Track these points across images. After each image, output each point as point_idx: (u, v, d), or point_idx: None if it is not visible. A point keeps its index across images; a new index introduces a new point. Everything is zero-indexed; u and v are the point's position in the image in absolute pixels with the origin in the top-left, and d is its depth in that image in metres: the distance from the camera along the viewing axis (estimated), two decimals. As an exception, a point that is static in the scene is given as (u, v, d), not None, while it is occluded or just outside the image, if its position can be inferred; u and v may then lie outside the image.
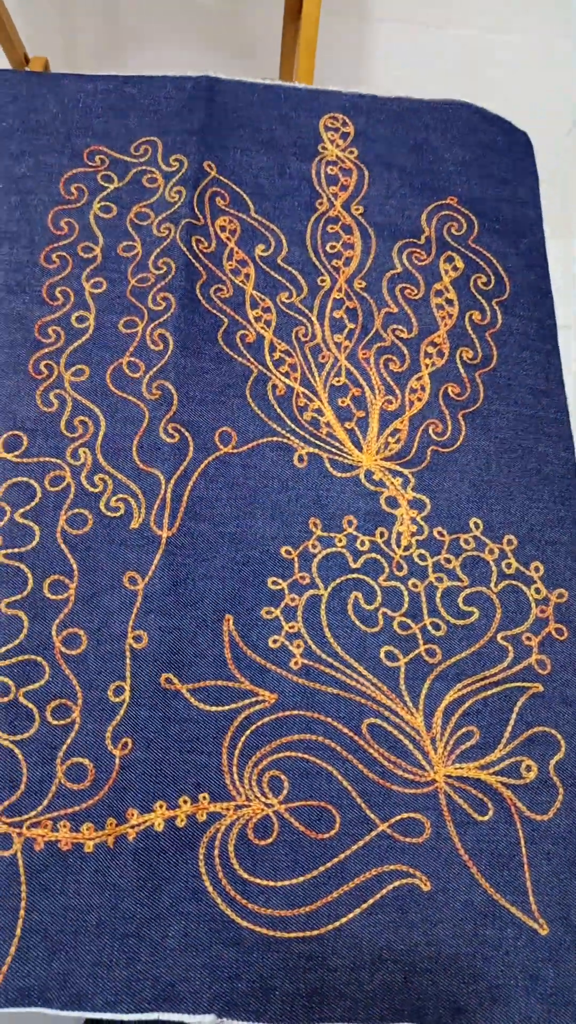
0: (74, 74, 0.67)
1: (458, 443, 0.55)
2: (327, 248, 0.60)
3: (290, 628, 0.48)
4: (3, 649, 0.46)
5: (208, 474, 0.52)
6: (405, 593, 0.50)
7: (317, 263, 0.60)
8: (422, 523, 0.52)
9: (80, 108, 0.64)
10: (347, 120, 0.65)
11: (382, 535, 0.51)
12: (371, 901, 0.43)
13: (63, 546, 0.49)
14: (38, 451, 0.52)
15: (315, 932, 0.42)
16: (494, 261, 0.61)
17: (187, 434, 0.53)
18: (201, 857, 0.43)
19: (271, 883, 0.43)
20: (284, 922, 0.42)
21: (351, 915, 0.43)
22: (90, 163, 0.62)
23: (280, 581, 0.50)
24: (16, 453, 0.52)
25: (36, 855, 0.43)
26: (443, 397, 0.56)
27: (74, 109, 0.64)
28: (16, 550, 0.49)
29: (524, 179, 0.64)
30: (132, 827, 0.43)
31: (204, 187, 0.61)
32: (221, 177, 0.62)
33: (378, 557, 0.51)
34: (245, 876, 0.43)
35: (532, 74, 1.33)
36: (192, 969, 0.41)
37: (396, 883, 0.44)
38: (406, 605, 0.50)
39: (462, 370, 0.57)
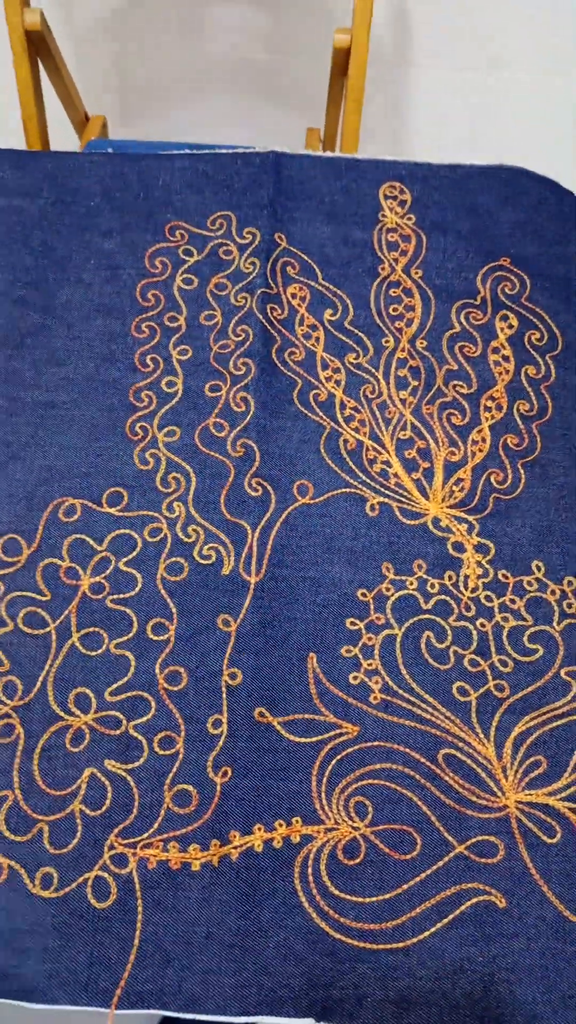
0: (152, 154, 0.73)
1: (518, 491, 0.59)
2: (390, 311, 0.65)
3: (368, 665, 0.53)
4: (114, 686, 0.52)
5: (289, 523, 0.57)
6: (474, 632, 0.54)
7: (381, 325, 0.65)
8: (487, 566, 0.56)
9: (160, 186, 0.70)
10: (404, 188, 0.71)
11: (450, 578, 0.56)
12: (451, 916, 0.47)
13: (163, 591, 0.55)
14: (137, 505, 0.58)
15: (401, 944, 0.47)
16: (546, 318, 0.65)
17: (269, 487, 0.58)
18: (296, 875, 0.48)
19: (360, 899, 0.47)
20: (373, 935, 0.47)
21: (433, 929, 0.47)
22: (171, 238, 0.68)
23: (357, 621, 0.54)
24: (118, 508, 0.57)
25: (149, 873, 0.48)
26: (503, 447, 0.60)
27: (154, 187, 0.70)
28: (122, 596, 0.55)
29: (573, 238, 0.68)
30: (235, 848, 0.48)
31: (276, 257, 0.66)
32: (291, 247, 0.67)
33: (447, 599, 0.55)
34: (336, 893, 0.47)
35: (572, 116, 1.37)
36: (292, 977, 0.46)
37: (474, 900, 0.48)
38: (475, 643, 0.54)
39: (520, 422, 0.61)
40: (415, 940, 0.47)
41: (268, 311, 0.64)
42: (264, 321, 0.63)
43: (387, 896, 0.48)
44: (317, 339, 0.64)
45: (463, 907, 0.48)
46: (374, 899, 0.47)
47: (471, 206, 0.70)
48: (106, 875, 0.48)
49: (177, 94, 1.47)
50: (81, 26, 1.38)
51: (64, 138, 1.28)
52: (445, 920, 0.47)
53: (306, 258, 0.67)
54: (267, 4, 1.35)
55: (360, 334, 0.64)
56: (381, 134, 1.40)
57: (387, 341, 0.64)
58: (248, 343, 0.63)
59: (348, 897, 0.47)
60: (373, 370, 0.63)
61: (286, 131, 1.44)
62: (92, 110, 1.37)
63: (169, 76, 1.45)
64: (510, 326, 0.65)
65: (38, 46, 1.12)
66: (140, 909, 0.47)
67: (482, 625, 0.55)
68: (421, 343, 0.64)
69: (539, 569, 0.56)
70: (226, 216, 0.69)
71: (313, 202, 0.70)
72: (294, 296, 0.65)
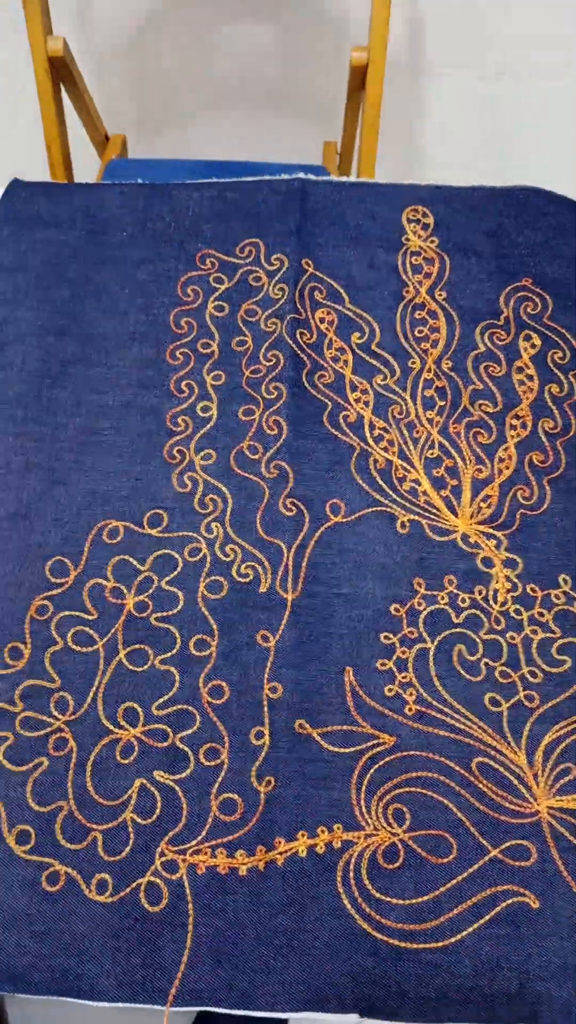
0: (181, 183, 0.76)
1: (544, 506, 0.61)
2: (415, 333, 0.68)
3: (403, 678, 0.56)
4: (160, 700, 0.55)
5: (323, 542, 0.60)
6: (504, 645, 0.57)
7: (407, 347, 0.67)
8: (516, 580, 0.59)
9: (190, 216, 0.73)
10: (427, 211, 0.73)
11: (480, 592, 0.58)
12: (487, 917, 0.50)
13: (204, 609, 0.58)
14: (177, 526, 0.60)
15: (440, 944, 0.49)
16: (568, 336, 0.67)
17: (302, 507, 0.60)
18: (339, 879, 0.50)
19: (400, 901, 0.50)
20: (413, 935, 0.49)
21: (471, 929, 0.49)
22: (202, 266, 0.70)
23: (391, 636, 0.57)
24: (159, 529, 0.60)
25: (199, 878, 0.50)
26: (529, 465, 0.63)
27: (184, 216, 0.73)
28: (165, 613, 0.57)
29: (591, 257, 0.71)
30: (280, 853, 0.51)
31: (303, 283, 0.69)
32: (318, 272, 0.70)
33: (478, 612, 0.58)
34: (377, 895, 0.50)
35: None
36: (337, 976, 0.48)
37: (508, 901, 0.50)
38: (505, 655, 0.56)
39: (544, 439, 0.64)
40: (453, 940, 0.49)
41: (298, 336, 0.66)
42: (294, 346, 0.66)
43: (426, 898, 0.50)
44: (345, 362, 0.66)
45: (498, 908, 0.50)
46: (413, 901, 0.50)
47: (492, 228, 0.72)
48: (158, 880, 0.50)
49: (194, 111, 1.50)
50: (99, 47, 1.41)
51: (85, 157, 1.32)
52: (481, 920, 0.50)
53: (333, 283, 0.69)
54: (277, 20, 1.38)
55: (387, 356, 0.67)
56: (394, 143, 1.42)
57: (413, 363, 0.67)
58: (279, 368, 0.65)
59: (388, 899, 0.50)
60: (400, 391, 0.66)
61: (303, 145, 1.47)
62: (111, 129, 1.40)
63: (185, 94, 1.48)
64: (533, 345, 0.67)
65: (60, 72, 1.16)
66: (191, 912, 0.50)
67: (512, 638, 0.57)
68: (447, 364, 0.66)
69: (566, 582, 0.59)
70: (254, 243, 0.71)
71: (338, 227, 0.72)
72: (322, 320, 0.68)
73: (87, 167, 1.37)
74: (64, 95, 1.15)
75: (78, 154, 1.21)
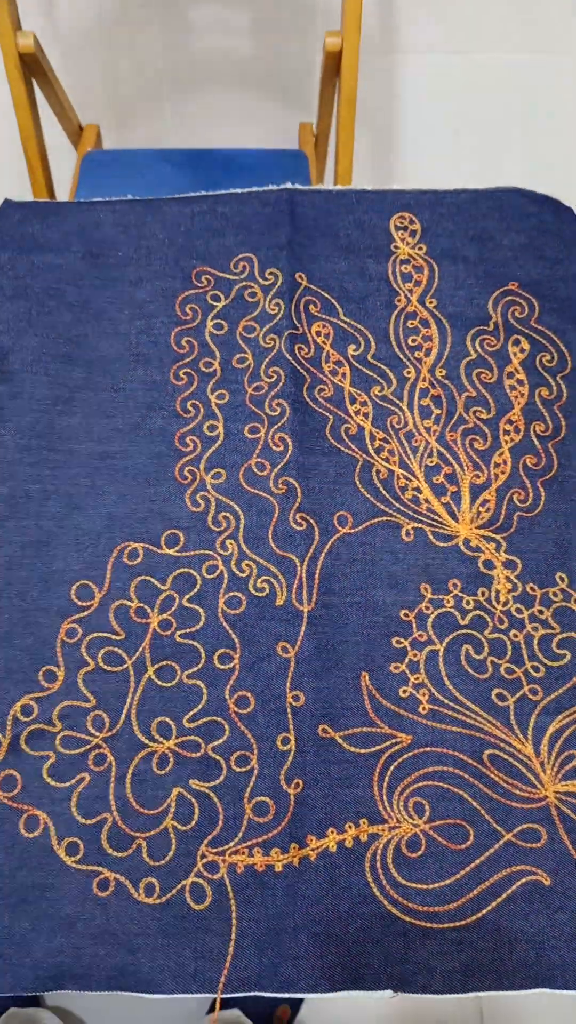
0: (172, 198, 0.77)
1: (539, 508, 0.65)
2: (409, 342, 0.70)
3: (415, 679, 0.60)
4: (190, 713, 0.58)
5: (333, 553, 0.63)
6: (508, 643, 0.61)
7: (402, 356, 0.70)
8: (516, 581, 0.62)
9: (182, 232, 0.75)
10: (413, 218, 0.75)
11: (483, 594, 0.62)
12: (504, 895, 0.54)
13: (224, 624, 0.61)
14: (193, 545, 0.63)
15: (463, 922, 0.54)
16: (555, 339, 0.70)
17: (312, 521, 0.64)
18: (367, 870, 0.55)
19: (424, 886, 0.54)
20: (438, 916, 0.54)
21: (490, 907, 0.54)
22: (198, 284, 0.72)
23: (402, 640, 0.61)
24: (176, 548, 0.63)
25: (238, 876, 0.55)
26: (523, 468, 0.66)
27: (177, 232, 0.75)
28: (188, 630, 0.61)
29: (574, 257, 0.73)
30: (312, 850, 0.55)
31: (298, 297, 0.71)
32: (311, 286, 0.72)
33: (482, 613, 0.61)
34: (403, 882, 0.54)
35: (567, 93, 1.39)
36: (370, 956, 0.53)
37: (523, 880, 0.55)
38: (509, 653, 0.60)
39: (537, 442, 0.67)
40: (474, 918, 0.54)
41: (296, 351, 0.69)
42: (293, 361, 0.68)
43: (447, 882, 0.55)
44: (343, 375, 0.69)
45: (514, 887, 0.55)
46: (436, 885, 0.55)
47: (477, 232, 0.74)
48: (201, 881, 0.55)
49: (167, 95, 1.49)
50: (68, 36, 1.39)
51: (60, 148, 1.31)
52: (499, 899, 0.54)
53: (326, 295, 0.72)
54: (248, 0, 1.36)
55: (383, 367, 0.69)
56: (369, 126, 1.42)
57: (408, 372, 0.69)
58: (280, 384, 0.68)
59: (414, 885, 0.54)
60: (398, 401, 0.68)
61: (278, 127, 1.46)
62: (84, 118, 1.39)
63: (157, 78, 1.46)
64: (522, 350, 0.70)
65: (32, 67, 1.15)
66: (234, 908, 0.54)
67: (515, 635, 0.61)
68: (440, 372, 0.69)
69: (562, 580, 0.62)
70: (248, 258, 0.73)
71: (328, 238, 0.74)
72: (318, 334, 0.70)
73: (62, 159, 1.36)
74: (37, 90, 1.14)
75: (51, 143, 1.21)
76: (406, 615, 0.61)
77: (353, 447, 0.66)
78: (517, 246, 0.73)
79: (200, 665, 0.60)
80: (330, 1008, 1.04)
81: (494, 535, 0.64)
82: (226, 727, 0.58)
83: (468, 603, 0.62)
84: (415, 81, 1.40)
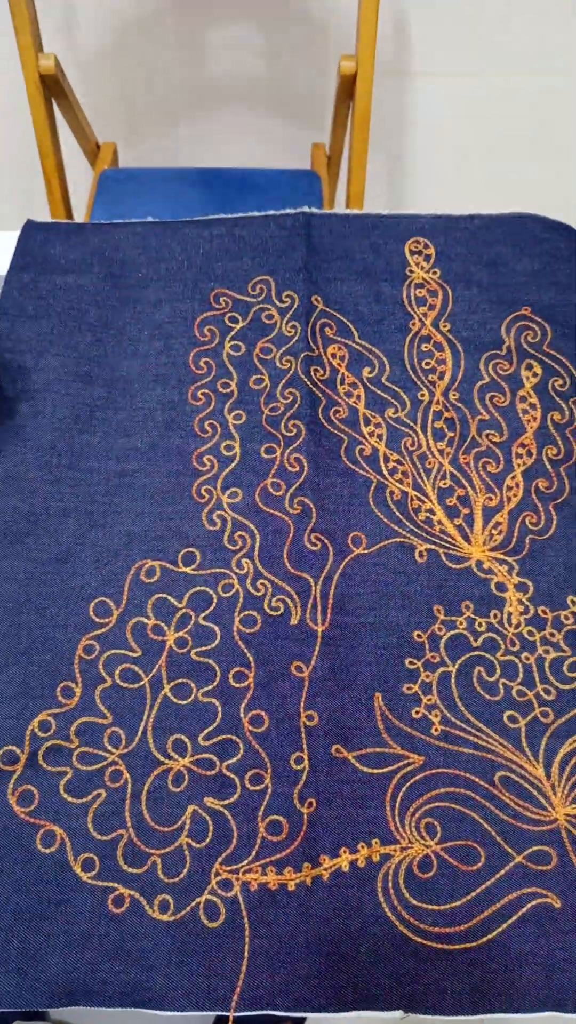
0: (190, 220, 0.79)
1: (551, 531, 0.66)
2: (423, 365, 0.71)
3: (428, 700, 0.60)
4: (206, 731, 0.59)
5: (347, 574, 0.64)
6: (519, 665, 0.61)
7: (415, 379, 0.71)
8: (528, 603, 0.63)
9: (201, 254, 0.76)
10: (428, 243, 0.76)
11: (495, 616, 0.63)
12: (515, 917, 0.55)
13: (239, 643, 0.62)
14: (209, 564, 0.64)
15: (474, 944, 0.54)
16: (567, 364, 0.71)
17: (326, 541, 0.65)
18: (379, 890, 0.55)
19: (435, 907, 0.55)
20: (449, 937, 0.54)
21: (500, 929, 0.55)
22: (216, 305, 0.73)
23: (415, 661, 0.61)
24: (192, 567, 0.64)
25: (252, 894, 0.55)
26: (535, 491, 0.67)
27: (196, 255, 0.76)
28: (204, 648, 0.62)
29: (586, 283, 0.74)
30: (325, 869, 0.55)
31: (314, 320, 0.72)
32: (327, 309, 0.73)
33: (494, 636, 0.62)
34: (415, 903, 0.55)
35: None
36: (382, 977, 0.54)
37: (533, 902, 0.55)
38: (521, 675, 0.61)
39: (549, 466, 0.68)
40: (485, 939, 0.54)
41: (312, 373, 0.70)
42: (309, 383, 0.69)
43: (458, 903, 0.55)
44: (358, 397, 0.70)
45: (524, 909, 0.55)
46: (447, 906, 0.55)
47: (491, 257, 0.75)
48: (215, 898, 0.55)
49: (181, 114, 1.51)
50: (85, 56, 1.42)
51: (76, 165, 1.33)
52: (509, 921, 0.55)
53: (342, 318, 0.73)
54: (263, 21, 1.38)
55: (397, 389, 0.70)
56: (379, 149, 1.44)
57: (422, 395, 0.70)
58: (296, 405, 0.69)
59: (425, 906, 0.55)
60: (412, 423, 0.69)
61: (291, 146, 1.48)
62: (101, 136, 1.41)
63: (173, 97, 1.48)
64: (535, 374, 0.71)
65: (52, 88, 1.17)
66: (247, 926, 0.54)
67: (526, 658, 0.61)
68: (454, 395, 0.70)
69: (574, 603, 0.63)
70: (265, 281, 0.74)
71: (344, 262, 0.75)
72: (334, 356, 0.71)
73: (79, 176, 1.38)
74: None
75: (67, 161, 1.23)
76: (419, 636, 0.62)
77: (367, 468, 0.67)
78: (530, 272, 0.75)
79: (215, 683, 0.61)
80: (337, 1023, 1.04)
81: (506, 558, 0.65)
82: (240, 745, 0.59)
83: (480, 625, 0.62)
84: (428, 103, 1.41)
